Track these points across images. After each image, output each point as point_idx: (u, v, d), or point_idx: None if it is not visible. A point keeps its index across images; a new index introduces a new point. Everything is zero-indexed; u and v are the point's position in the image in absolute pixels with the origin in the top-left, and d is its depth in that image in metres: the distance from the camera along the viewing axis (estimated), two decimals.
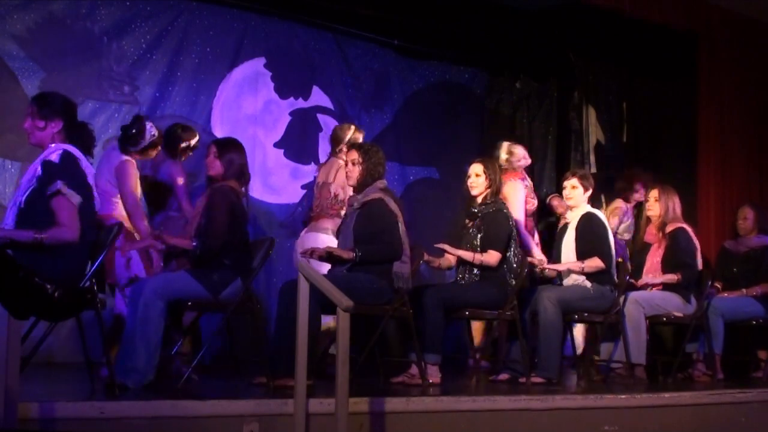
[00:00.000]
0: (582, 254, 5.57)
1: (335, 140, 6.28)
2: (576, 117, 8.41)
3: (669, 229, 6.03)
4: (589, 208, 5.76)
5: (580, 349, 6.43)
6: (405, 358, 5.11)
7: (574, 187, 5.74)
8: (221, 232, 4.54)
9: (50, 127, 4.07)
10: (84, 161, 4.11)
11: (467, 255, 5.25)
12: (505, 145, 6.20)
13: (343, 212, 5.90)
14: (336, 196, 6.05)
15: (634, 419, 4.78)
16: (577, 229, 5.65)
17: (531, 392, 4.82)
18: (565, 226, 5.82)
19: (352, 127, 6.33)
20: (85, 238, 4.02)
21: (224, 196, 4.62)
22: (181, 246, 4.61)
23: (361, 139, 6.24)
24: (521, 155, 6.17)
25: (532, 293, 5.53)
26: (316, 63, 7.56)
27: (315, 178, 6.39)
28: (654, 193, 6.15)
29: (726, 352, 6.17)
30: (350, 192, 5.76)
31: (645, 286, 5.97)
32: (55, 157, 4.00)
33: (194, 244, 4.56)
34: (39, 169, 3.99)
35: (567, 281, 5.63)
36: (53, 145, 4.06)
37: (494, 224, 5.29)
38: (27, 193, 3.98)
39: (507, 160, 6.08)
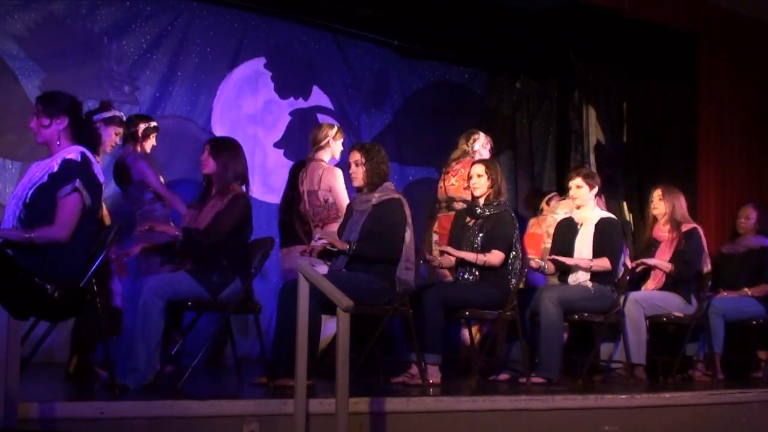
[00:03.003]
0: (597, 254, 5.59)
1: (314, 141, 5.89)
2: (576, 117, 8.40)
3: (685, 228, 6.03)
4: (606, 214, 5.81)
5: None
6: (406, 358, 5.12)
7: (579, 187, 5.74)
8: (216, 238, 4.52)
9: (55, 124, 4.05)
10: (96, 164, 4.11)
11: (470, 256, 5.24)
12: (482, 136, 6.38)
13: (341, 215, 5.87)
14: (326, 201, 5.73)
15: (634, 419, 4.78)
16: (598, 228, 5.65)
17: (531, 392, 4.82)
18: (569, 222, 5.81)
19: (335, 127, 5.97)
20: (86, 239, 4.02)
21: (242, 210, 4.62)
22: (168, 233, 4.59)
23: (341, 142, 5.93)
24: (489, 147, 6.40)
25: (532, 293, 5.53)
26: (316, 63, 7.56)
27: (288, 176, 6.07)
28: (658, 193, 6.14)
29: (726, 352, 6.16)
30: (341, 194, 5.72)
31: (639, 265, 5.96)
32: (75, 156, 3.99)
33: (177, 233, 4.54)
34: (56, 166, 3.97)
35: (571, 279, 5.63)
36: (61, 145, 4.04)
37: (500, 224, 5.29)
38: (34, 188, 3.96)
39: (478, 151, 6.28)
